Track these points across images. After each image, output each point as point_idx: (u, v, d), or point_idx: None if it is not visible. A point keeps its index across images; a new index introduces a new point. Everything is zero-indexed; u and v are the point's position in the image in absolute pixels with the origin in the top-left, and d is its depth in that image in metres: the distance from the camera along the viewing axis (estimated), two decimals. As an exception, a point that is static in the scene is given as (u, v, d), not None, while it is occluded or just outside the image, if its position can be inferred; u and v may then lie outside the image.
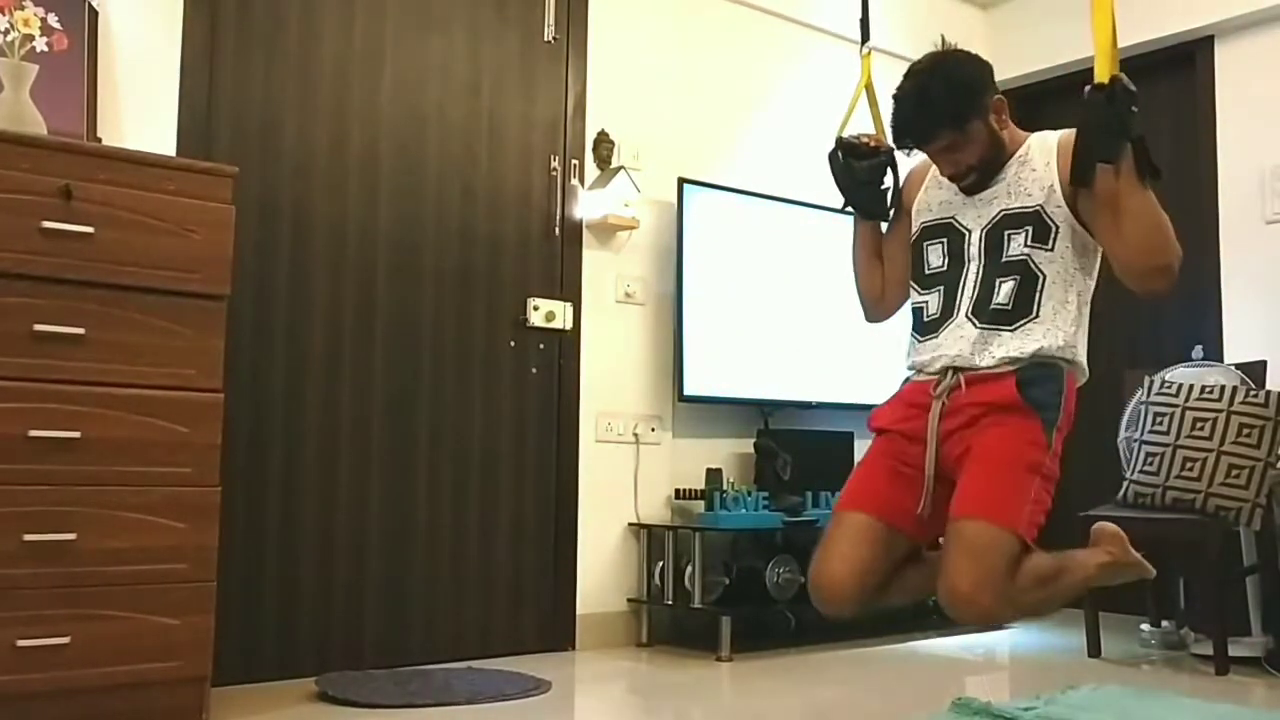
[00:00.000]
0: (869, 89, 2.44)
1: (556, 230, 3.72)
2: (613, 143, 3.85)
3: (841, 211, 2.43)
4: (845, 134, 2.34)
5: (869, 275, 2.41)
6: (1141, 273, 2.00)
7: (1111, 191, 2.00)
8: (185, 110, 2.98)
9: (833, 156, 2.33)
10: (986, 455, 2.04)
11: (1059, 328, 2.11)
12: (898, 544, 2.13)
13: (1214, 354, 4.17)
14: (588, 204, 3.77)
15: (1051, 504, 2.07)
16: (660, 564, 3.74)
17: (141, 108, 2.92)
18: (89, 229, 2.43)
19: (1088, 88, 1.99)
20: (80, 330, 2.41)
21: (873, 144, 2.32)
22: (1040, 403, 2.07)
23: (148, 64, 2.94)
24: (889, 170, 2.33)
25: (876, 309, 2.44)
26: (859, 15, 2.56)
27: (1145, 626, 3.94)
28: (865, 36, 2.51)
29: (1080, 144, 2.02)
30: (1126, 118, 1.94)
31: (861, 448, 4.23)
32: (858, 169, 2.30)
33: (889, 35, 4.71)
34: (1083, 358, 2.17)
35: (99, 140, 2.75)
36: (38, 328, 2.37)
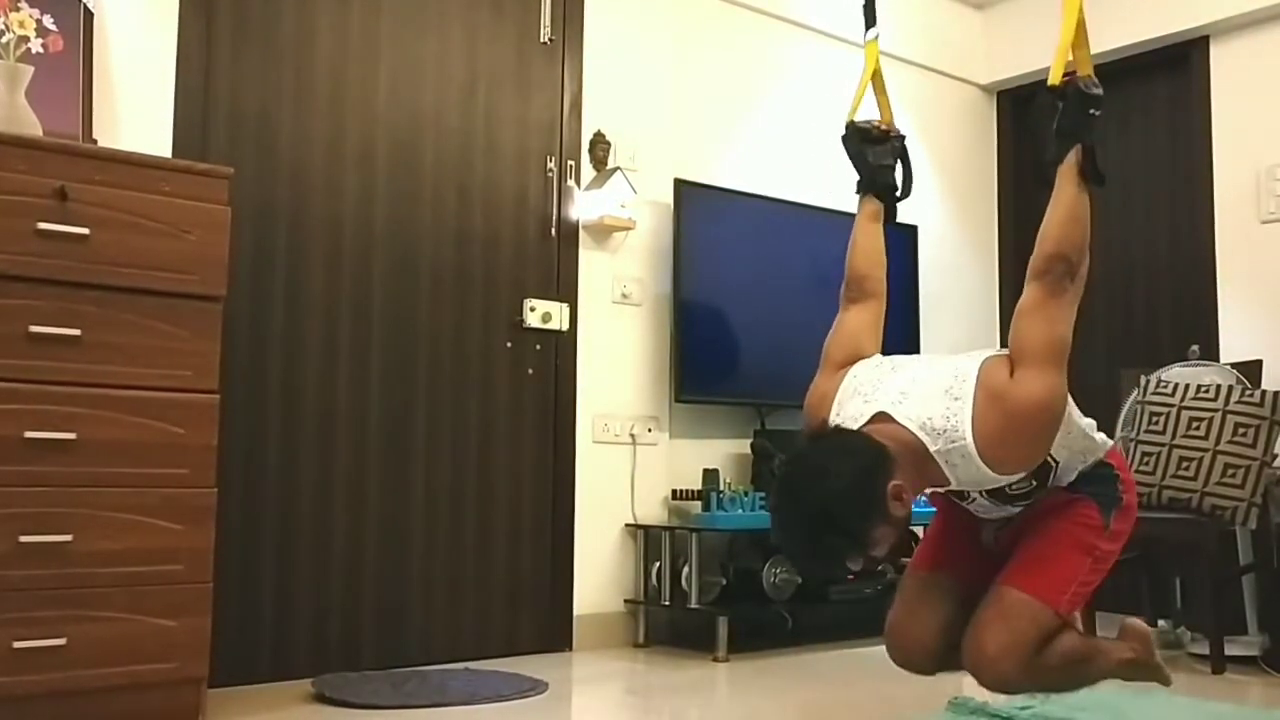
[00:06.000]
0: (877, 75, 2.42)
1: (553, 231, 3.72)
2: (609, 143, 3.85)
3: (871, 190, 2.34)
4: (856, 119, 2.33)
5: (866, 237, 2.26)
6: (1046, 254, 1.96)
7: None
8: (181, 111, 2.98)
9: (847, 140, 2.32)
10: (1042, 533, 2.05)
11: (1073, 453, 2.05)
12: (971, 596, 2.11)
13: (1210, 353, 4.18)
14: (584, 205, 3.77)
15: (1105, 577, 2.10)
16: (657, 564, 3.74)
17: (137, 109, 2.92)
18: (85, 230, 2.43)
19: (1042, 90, 2.00)
20: (76, 332, 2.41)
21: (885, 128, 2.32)
22: (1095, 492, 2.08)
23: (143, 65, 2.94)
24: (901, 156, 2.33)
25: (860, 284, 2.24)
26: (863, 1, 2.50)
27: (1142, 626, 3.94)
28: (870, 22, 2.47)
29: (1035, 147, 2.04)
30: (1081, 120, 1.95)
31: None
32: (871, 154, 2.30)
33: (887, 36, 4.72)
34: (1092, 434, 2.09)
35: (94, 141, 2.74)
36: (33, 329, 2.36)
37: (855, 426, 1.92)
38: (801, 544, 1.87)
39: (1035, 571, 2.02)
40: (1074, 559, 2.03)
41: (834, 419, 1.99)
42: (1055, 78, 1.99)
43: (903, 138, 2.33)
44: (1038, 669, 2.01)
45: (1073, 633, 2.07)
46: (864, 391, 1.97)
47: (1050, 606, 1.99)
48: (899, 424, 1.88)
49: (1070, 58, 2.02)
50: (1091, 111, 1.95)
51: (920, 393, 1.90)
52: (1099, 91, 1.97)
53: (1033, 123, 2.01)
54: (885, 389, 1.95)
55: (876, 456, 1.82)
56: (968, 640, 2.02)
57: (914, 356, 2.08)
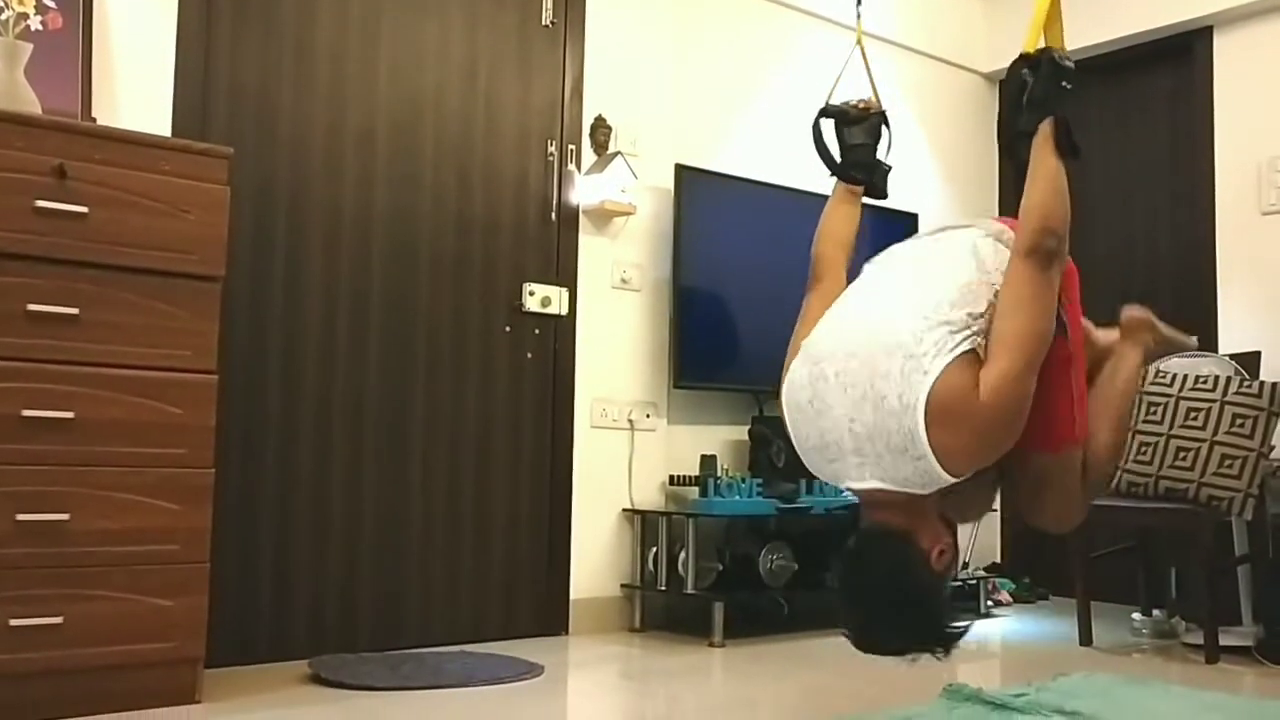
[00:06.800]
0: (861, 50, 2.41)
1: (553, 215, 3.71)
2: (610, 128, 3.84)
3: (837, 174, 2.30)
4: (832, 101, 2.31)
5: (832, 220, 2.23)
6: (1037, 228, 1.93)
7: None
8: (180, 91, 2.97)
9: (815, 125, 2.28)
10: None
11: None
12: None
13: (1208, 344, 4.18)
14: (584, 189, 3.76)
15: (1081, 317, 2.10)
16: (654, 550, 3.74)
17: (136, 88, 2.91)
18: (83, 209, 2.42)
19: (1015, 60, 1.98)
20: (74, 310, 2.41)
21: (863, 107, 2.29)
22: None
23: (143, 43, 2.92)
24: (882, 131, 2.29)
25: (815, 265, 2.21)
26: None
27: (1136, 615, 3.96)
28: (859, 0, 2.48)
29: (1005, 115, 2.02)
30: (1054, 92, 1.93)
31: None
32: (849, 134, 2.27)
33: (888, 24, 4.71)
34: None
35: (93, 120, 2.74)
36: (31, 307, 2.36)
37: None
38: (911, 650, 1.94)
39: (1043, 428, 1.97)
40: (1062, 389, 2.01)
41: (806, 458, 1.93)
42: (1029, 47, 1.98)
43: (883, 112, 2.29)
44: (1097, 482, 2.08)
45: (1100, 429, 2.06)
46: (815, 444, 1.87)
47: (1072, 445, 2.01)
48: (886, 490, 1.82)
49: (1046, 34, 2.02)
50: (1064, 84, 1.94)
51: (878, 450, 1.78)
52: (1071, 65, 1.95)
53: (1010, 93, 1.99)
54: (839, 444, 1.83)
55: (905, 560, 1.83)
56: (1026, 514, 2.08)
57: (846, 331, 1.88)
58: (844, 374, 1.81)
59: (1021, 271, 1.85)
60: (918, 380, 1.73)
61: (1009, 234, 1.94)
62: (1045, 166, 1.91)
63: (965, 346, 1.77)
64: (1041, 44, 1.99)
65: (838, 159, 2.28)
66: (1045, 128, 1.92)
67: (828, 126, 2.31)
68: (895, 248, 2.08)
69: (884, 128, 2.28)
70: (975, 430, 1.75)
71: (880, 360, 1.77)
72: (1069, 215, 1.91)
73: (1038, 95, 1.94)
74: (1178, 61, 4.60)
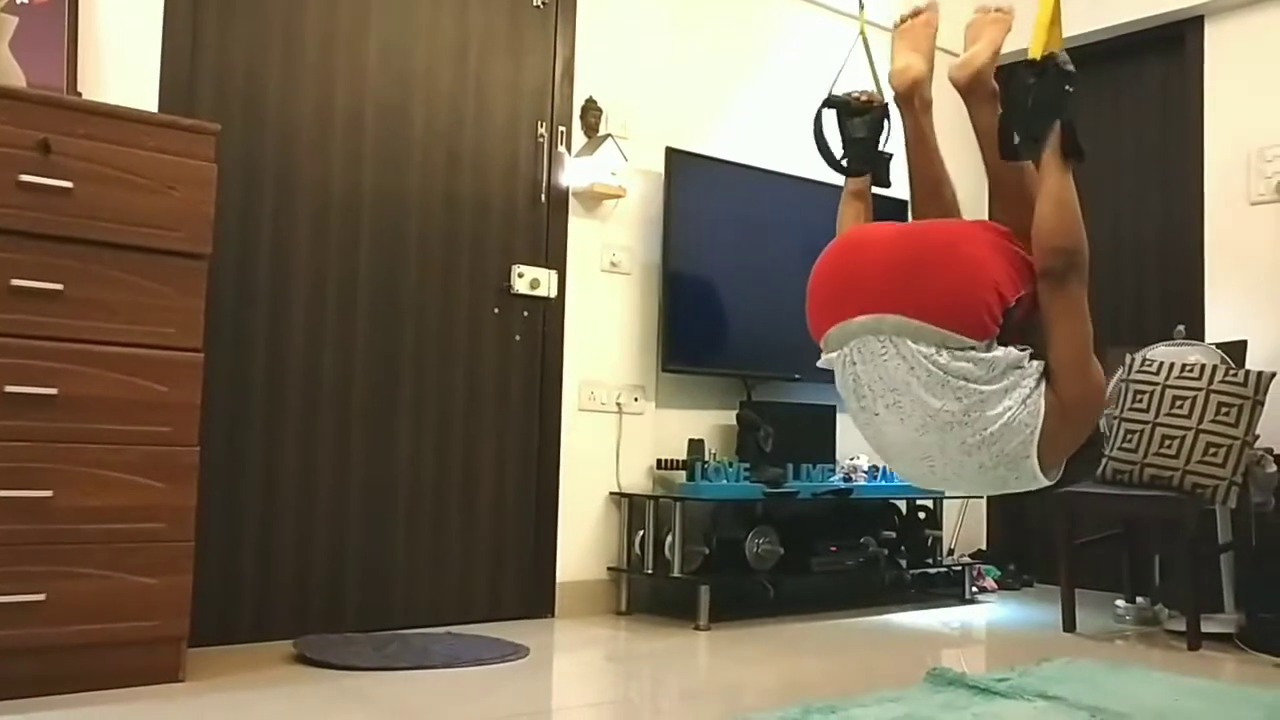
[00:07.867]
0: (864, 42, 2.40)
1: (542, 197, 3.70)
2: (601, 110, 3.82)
3: (837, 170, 2.29)
4: (834, 92, 2.30)
5: (848, 221, 2.28)
6: (1044, 249, 1.94)
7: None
8: (167, 67, 2.94)
9: (817, 117, 2.27)
10: None
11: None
12: None
13: (1195, 333, 4.20)
14: (574, 171, 3.75)
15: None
16: (641, 533, 3.75)
17: (123, 63, 2.88)
18: (68, 184, 2.40)
19: (1020, 63, 1.98)
20: (58, 286, 2.39)
21: (866, 99, 2.29)
22: None
23: (130, 18, 2.90)
24: (884, 124, 2.29)
25: None
26: None
27: (1120, 602, 3.98)
28: None
29: (1007, 119, 2.00)
30: (1058, 97, 1.94)
31: (844, 421, 4.26)
32: (851, 126, 2.27)
33: (883, 10, 4.70)
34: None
35: (79, 95, 2.71)
36: (15, 283, 2.34)
37: None
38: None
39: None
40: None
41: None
42: (1036, 52, 1.98)
43: (885, 105, 2.29)
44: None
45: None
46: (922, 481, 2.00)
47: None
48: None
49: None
50: (1067, 88, 1.95)
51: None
52: (1073, 69, 1.96)
53: (1010, 97, 1.99)
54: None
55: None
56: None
57: (913, 459, 1.95)
58: (935, 472, 1.92)
59: (1046, 293, 1.91)
60: (1026, 465, 1.86)
61: (943, 334, 1.83)
62: (1051, 181, 1.93)
63: (1037, 424, 1.84)
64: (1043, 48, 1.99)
65: (837, 154, 2.28)
66: (1052, 139, 1.93)
67: (829, 118, 2.30)
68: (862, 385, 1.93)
69: (886, 120, 2.29)
70: (1075, 439, 1.91)
71: (968, 461, 1.87)
72: (1082, 225, 1.93)
73: (1044, 100, 1.94)
74: (1168, 51, 4.60)
